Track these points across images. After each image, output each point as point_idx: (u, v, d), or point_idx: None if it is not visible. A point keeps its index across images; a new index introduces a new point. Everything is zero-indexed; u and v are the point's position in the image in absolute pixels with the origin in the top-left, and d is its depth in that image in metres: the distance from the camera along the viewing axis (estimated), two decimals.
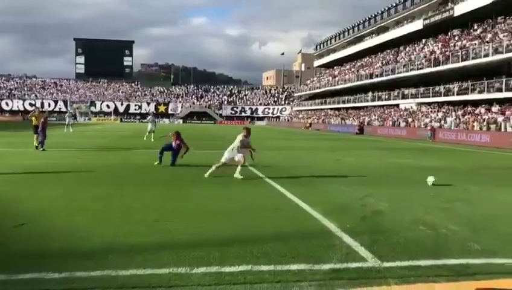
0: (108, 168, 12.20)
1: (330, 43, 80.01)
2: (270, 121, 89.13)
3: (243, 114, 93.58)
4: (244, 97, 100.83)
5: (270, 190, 9.17)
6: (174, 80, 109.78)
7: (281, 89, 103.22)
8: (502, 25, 38.46)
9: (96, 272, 4.12)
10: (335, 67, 76.63)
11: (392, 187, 9.99)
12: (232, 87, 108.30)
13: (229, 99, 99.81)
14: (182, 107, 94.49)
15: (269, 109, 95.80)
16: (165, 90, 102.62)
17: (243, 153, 10.39)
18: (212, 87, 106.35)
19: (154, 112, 68.19)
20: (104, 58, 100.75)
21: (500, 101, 33.02)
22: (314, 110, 74.16)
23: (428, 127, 34.01)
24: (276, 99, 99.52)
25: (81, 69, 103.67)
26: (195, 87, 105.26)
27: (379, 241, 5.31)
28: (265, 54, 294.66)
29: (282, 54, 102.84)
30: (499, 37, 35.92)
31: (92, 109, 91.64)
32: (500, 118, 29.89)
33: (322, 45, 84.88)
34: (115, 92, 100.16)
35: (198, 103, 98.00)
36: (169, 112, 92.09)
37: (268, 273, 4.14)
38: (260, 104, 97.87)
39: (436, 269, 4.35)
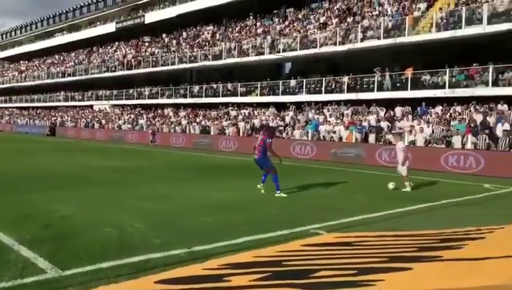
0: None
1: (15, 35, 71.97)
2: None
3: None
4: None
5: None
6: None
7: None
8: (186, 37, 43.04)
9: None
10: (21, 62, 69.33)
11: (84, 190, 9.73)
12: None
13: None
14: None
15: None
16: None
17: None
18: None
19: None
20: None
21: (185, 106, 36.86)
22: None
23: (150, 130, 32.24)
24: None
25: None
26: None
27: (62, 248, 5.04)
28: None
29: None
30: (182, 48, 40.03)
31: None
32: (184, 121, 33.28)
33: (4, 36, 75.43)
34: None
35: None
36: None
37: None
38: None
39: (118, 268, 4.42)
